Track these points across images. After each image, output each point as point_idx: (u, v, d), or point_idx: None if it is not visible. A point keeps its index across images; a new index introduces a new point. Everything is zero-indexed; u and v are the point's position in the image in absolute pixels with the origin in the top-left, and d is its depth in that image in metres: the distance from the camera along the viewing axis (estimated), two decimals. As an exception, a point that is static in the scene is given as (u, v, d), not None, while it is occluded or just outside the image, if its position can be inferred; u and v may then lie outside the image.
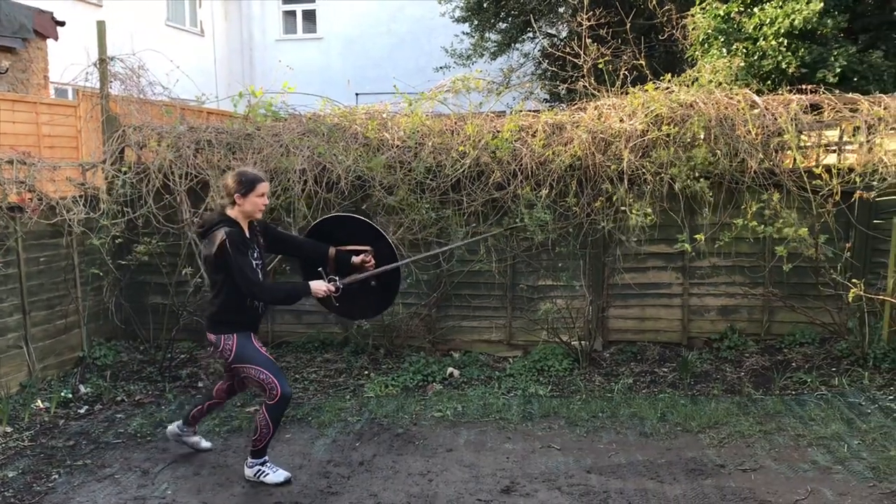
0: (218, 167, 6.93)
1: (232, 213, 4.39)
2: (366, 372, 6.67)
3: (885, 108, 6.63)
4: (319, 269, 4.68)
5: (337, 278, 4.59)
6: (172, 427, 5.03)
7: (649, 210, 6.52)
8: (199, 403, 4.92)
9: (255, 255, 4.44)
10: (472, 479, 4.58)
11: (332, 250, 4.69)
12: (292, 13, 20.68)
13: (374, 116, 7.14)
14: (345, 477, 4.64)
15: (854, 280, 5.87)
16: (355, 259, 4.67)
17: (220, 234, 4.24)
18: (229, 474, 4.70)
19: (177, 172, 6.96)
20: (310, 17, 20.54)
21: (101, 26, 7.30)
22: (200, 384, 6.41)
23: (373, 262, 4.68)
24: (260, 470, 4.55)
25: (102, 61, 7.23)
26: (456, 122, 7.06)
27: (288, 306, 6.73)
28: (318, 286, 4.51)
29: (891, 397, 5.71)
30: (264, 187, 4.42)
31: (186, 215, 6.95)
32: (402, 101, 7.27)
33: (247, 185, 4.35)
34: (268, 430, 4.44)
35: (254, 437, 4.50)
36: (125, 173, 6.98)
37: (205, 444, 5.08)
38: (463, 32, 15.69)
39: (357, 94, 16.62)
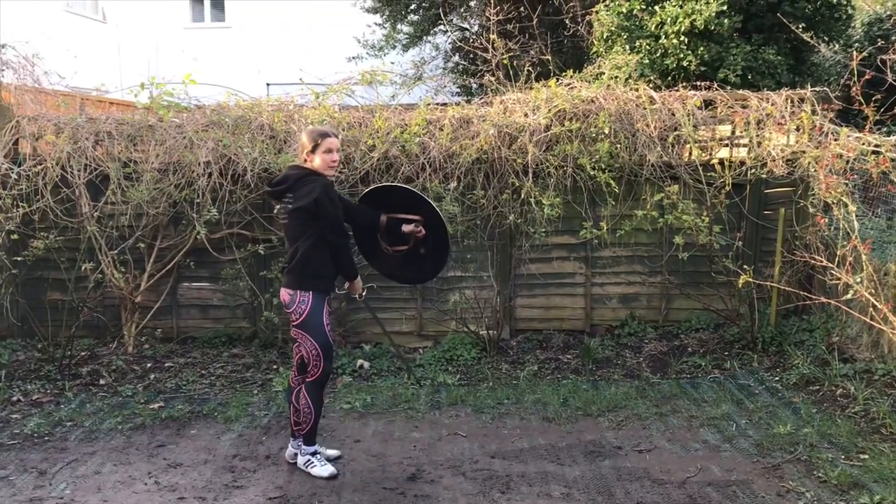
0: (118, 160, 6.77)
1: (314, 167, 4.37)
2: (274, 366, 6.63)
3: (772, 105, 7.00)
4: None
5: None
6: (289, 450, 4.76)
7: (558, 200, 6.72)
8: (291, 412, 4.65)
9: None
10: (379, 468, 4.64)
11: (383, 218, 4.72)
12: (200, 0, 20.17)
13: (280, 108, 7.08)
14: (251, 471, 4.63)
15: (745, 267, 6.19)
16: (405, 228, 4.69)
17: (320, 185, 4.26)
18: (132, 472, 4.61)
19: (75, 165, 6.75)
20: (218, 5, 20.07)
21: (-10, 12, 7.01)
22: (102, 381, 6.24)
23: (423, 231, 4.69)
24: (310, 460, 4.54)
25: (-7, 49, 6.95)
26: (364, 115, 7.07)
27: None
28: (357, 285, 4.68)
29: (777, 378, 6.06)
30: (331, 143, 4.37)
31: (86, 209, 6.75)
32: (309, 93, 7.23)
33: (312, 140, 4.35)
34: (309, 410, 4.42)
35: (297, 424, 4.52)
36: (20, 165, 6.73)
37: (330, 451, 4.81)
38: (375, 23, 15.62)
39: (268, 84, 16.37)
